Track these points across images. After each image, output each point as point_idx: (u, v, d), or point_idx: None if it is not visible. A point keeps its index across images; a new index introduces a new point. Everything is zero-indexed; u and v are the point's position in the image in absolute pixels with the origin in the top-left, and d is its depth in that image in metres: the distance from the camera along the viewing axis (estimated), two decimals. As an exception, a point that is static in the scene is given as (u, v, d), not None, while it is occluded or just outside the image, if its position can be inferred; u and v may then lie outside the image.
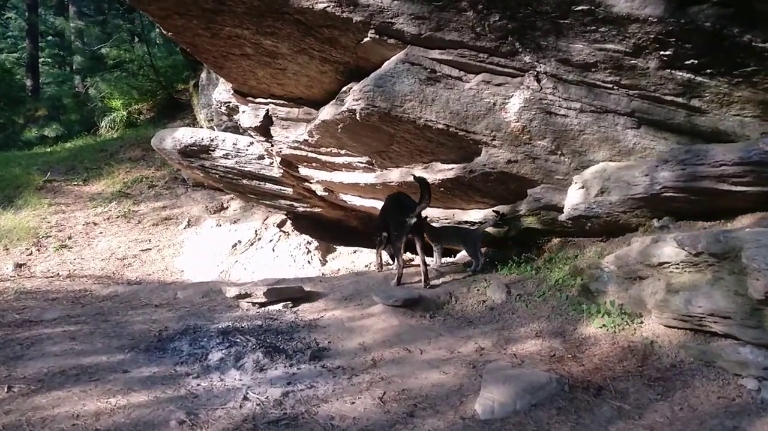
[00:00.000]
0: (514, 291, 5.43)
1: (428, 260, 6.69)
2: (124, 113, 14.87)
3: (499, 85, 4.83)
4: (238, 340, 4.46)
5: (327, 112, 5.85)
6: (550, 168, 5.17)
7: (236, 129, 10.06)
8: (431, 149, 5.66)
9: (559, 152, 5.02)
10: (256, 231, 8.61)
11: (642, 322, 4.28)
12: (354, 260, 8.38)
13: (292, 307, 5.62)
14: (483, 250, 6.43)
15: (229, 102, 8.61)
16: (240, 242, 8.31)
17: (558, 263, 5.74)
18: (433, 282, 5.88)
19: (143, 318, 5.32)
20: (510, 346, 4.45)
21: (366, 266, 8.13)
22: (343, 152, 6.63)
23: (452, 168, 5.83)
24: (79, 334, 4.79)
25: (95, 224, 9.26)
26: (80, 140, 14.66)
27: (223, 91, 8.66)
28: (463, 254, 6.97)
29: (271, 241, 8.37)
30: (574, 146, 4.94)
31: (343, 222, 9.31)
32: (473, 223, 6.76)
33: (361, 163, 6.69)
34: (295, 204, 8.63)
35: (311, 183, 7.99)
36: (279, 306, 5.60)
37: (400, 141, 5.72)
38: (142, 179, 10.87)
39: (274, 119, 7.03)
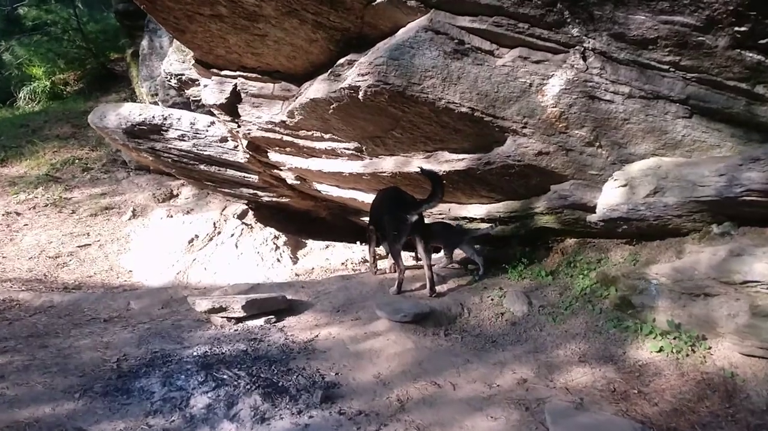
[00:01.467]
0: (535, 302, 4.74)
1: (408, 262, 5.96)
2: (47, 83, 13.17)
3: (537, 62, 4.04)
4: (225, 376, 3.53)
5: (317, 89, 4.89)
6: (584, 162, 4.45)
7: (186, 106, 8.91)
8: (442, 135, 4.83)
9: (597, 144, 4.30)
10: (214, 224, 7.54)
11: (710, 347, 3.65)
12: (327, 256, 7.49)
13: (275, 322, 4.73)
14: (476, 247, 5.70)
15: (182, 75, 7.51)
16: (197, 236, 7.23)
17: (579, 268, 5.07)
18: (437, 288, 5.10)
19: (92, 341, 4.27)
20: (555, 376, 3.73)
21: (342, 263, 7.28)
22: (327, 136, 5.71)
23: (463, 159, 5.02)
24: (8, 369, 3.72)
25: (18, 214, 7.91)
26: (-7, 111, 12.91)
27: (174, 62, 7.52)
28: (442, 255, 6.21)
29: (232, 235, 7.34)
30: (615, 137, 4.23)
31: (312, 213, 8.38)
32: (468, 220, 6.02)
33: (348, 149, 5.79)
34: (260, 193, 7.63)
35: (281, 170, 7.01)
36: (260, 321, 4.69)
37: (406, 126, 4.85)
38: (74, 160, 9.47)
39: (243, 95, 5.99)
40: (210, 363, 3.77)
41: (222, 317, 4.70)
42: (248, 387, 3.41)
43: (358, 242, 8.02)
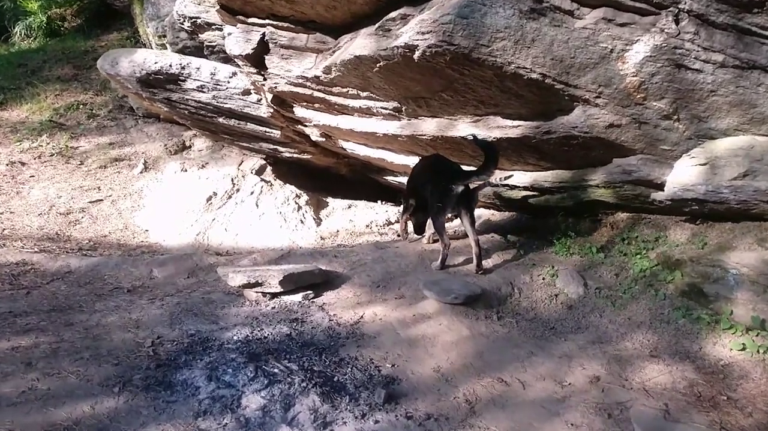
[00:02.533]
0: (590, 283, 4.45)
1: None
2: (43, 18, 12.33)
3: (622, 25, 3.60)
4: (275, 370, 3.23)
5: (363, 45, 4.42)
6: (657, 136, 4.07)
7: (199, 51, 8.33)
8: (498, 100, 4.41)
9: (675, 117, 3.91)
10: (232, 180, 7.13)
11: (800, 348, 3.37)
12: (351, 217, 7.14)
13: (313, 297, 4.41)
14: None
15: (197, 18, 6.92)
16: (215, 194, 6.84)
17: (635, 246, 4.77)
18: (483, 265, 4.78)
19: (120, 319, 3.95)
20: (629, 373, 3.46)
21: (367, 226, 6.93)
22: (364, 94, 5.26)
23: (518, 126, 4.62)
24: (35, 354, 3.40)
25: (23, 164, 7.45)
26: (-13, 48, 12.14)
27: (189, 3, 6.91)
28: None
29: (252, 193, 6.95)
30: (696, 110, 3.84)
31: (331, 170, 7.97)
32: (509, 188, 5.66)
33: (385, 109, 5.36)
34: (280, 149, 7.20)
35: (306, 126, 6.57)
36: (298, 297, 4.37)
37: (459, 89, 4.42)
38: (78, 105, 8.91)
39: (271, 45, 5.49)
40: (256, 352, 3.46)
41: (257, 292, 4.37)
42: (303, 384, 3.11)
43: (379, 202, 7.68)
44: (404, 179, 5.97)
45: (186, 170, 7.47)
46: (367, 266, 4.94)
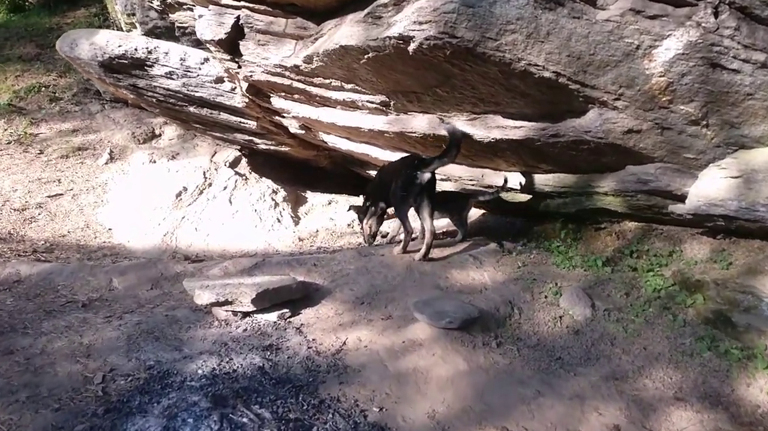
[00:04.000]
0: (598, 304, 4.02)
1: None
2: (7, -8, 11.58)
3: (652, 17, 3.12)
4: (245, 419, 2.75)
5: (350, 33, 3.88)
6: (681, 143, 3.61)
7: (170, 32, 7.72)
8: (500, 98, 3.92)
9: (704, 122, 3.46)
10: (204, 173, 6.59)
11: None
12: (331, 215, 6.66)
13: (290, 316, 3.92)
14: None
15: (167, -5, 6.31)
16: (185, 189, 6.29)
17: (646, 260, 4.36)
18: (475, 276, 4.36)
19: (70, 344, 3.43)
20: (653, 422, 3.05)
21: (348, 225, 6.46)
22: (349, 86, 4.75)
23: (521, 127, 4.14)
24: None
25: (-24, 152, 6.83)
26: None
27: (158, -21, 6.31)
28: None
29: (225, 188, 6.42)
30: (729, 116, 3.39)
31: (311, 162, 7.45)
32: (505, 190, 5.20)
33: (372, 102, 4.85)
34: (256, 140, 6.65)
35: (284, 118, 6.03)
36: (273, 316, 3.88)
37: (456, 85, 3.93)
38: (40, 87, 8.22)
39: (247, 30, 4.94)
40: (223, 394, 2.96)
41: (227, 310, 3.87)
42: (276, 439, 2.63)
43: (360, 197, 7.19)
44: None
45: (155, 162, 6.90)
46: (350, 278, 4.46)
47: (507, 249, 4.92)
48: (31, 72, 8.53)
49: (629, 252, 4.52)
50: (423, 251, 4.56)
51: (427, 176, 4.55)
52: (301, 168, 7.58)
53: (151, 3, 6.87)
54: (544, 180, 4.88)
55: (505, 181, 4.94)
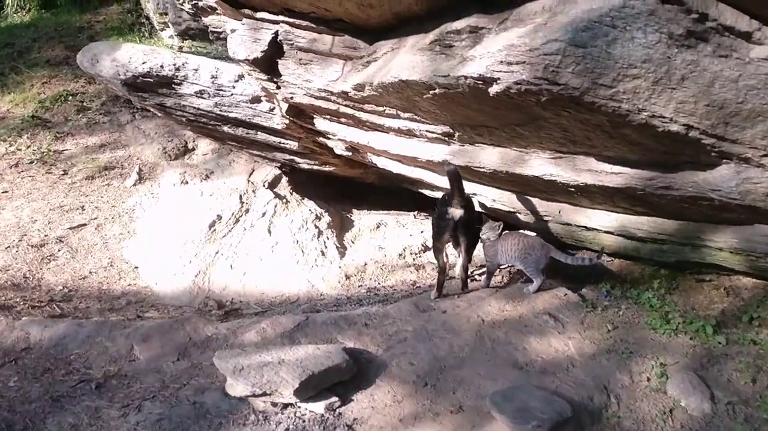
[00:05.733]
0: (718, 394, 3.24)
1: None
2: (38, -13, 11.09)
3: (830, 57, 2.29)
4: None
5: (411, 64, 3.14)
6: (840, 207, 2.79)
7: (203, 34, 7.12)
8: (599, 142, 3.14)
9: None
10: (240, 197, 5.96)
11: None
12: (380, 242, 5.97)
13: (339, 406, 3.28)
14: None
15: (199, 0, 5.66)
16: (219, 218, 5.67)
17: (773, 331, 3.55)
18: (558, 346, 3.64)
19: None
20: None
21: (400, 254, 5.76)
22: (406, 115, 4.02)
23: (620, 173, 3.36)
24: None
25: (-6, 175, 6.33)
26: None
27: (189, -18, 5.66)
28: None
29: (264, 215, 5.79)
30: None
31: (357, 179, 6.76)
32: (585, 228, 4.44)
33: (432, 132, 4.12)
34: (298, 159, 5.99)
35: (329, 139, 5.34)
36: (320, 407, 3.26)
37: (543, 126, 3.16)
38: (68, 95, 7.68)
39: (286, 47, 4.24)
40: None
41: (264, 401, 3.25)
42: None
43: (413, 215, 6.51)
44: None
45: (187, 182, 6.31)
46: (408, 345, 3.79)
47: (590, 302, 4.16)
48: (58, 78, 8.01)
49: (748, 319, 3.72)
50: (461, 286, 4.44)
51: (459, 212, 4.16)
52: (347, 183, 6.92)
53: (182, 6, 6.26)
54: (635, 223, 4.08)
55: (602, 250, 4.14)
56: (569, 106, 2.62)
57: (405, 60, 3.21)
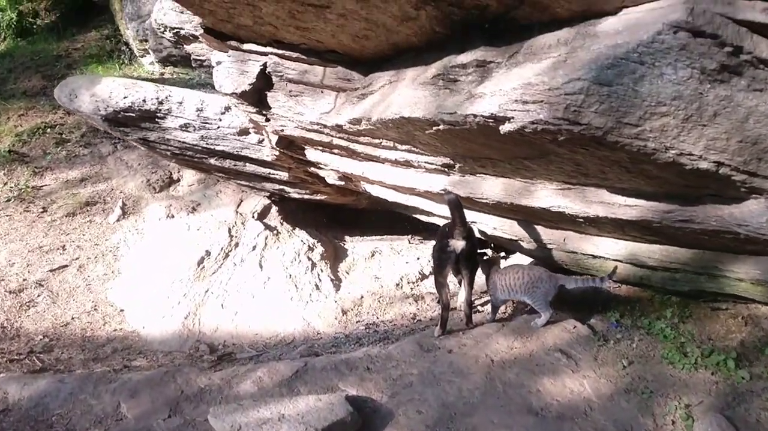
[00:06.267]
0: (747, 438, 3.05)
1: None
2: (13, 15, 10.75)
3: None
4: None
5: (415, 101, 2.95)
6: None
7: (185, 60, 6.92)
8: (612, 175, 2.96)
9: None
10: (229, 230, 5.73)
11: None
12: (375, 272, 5.76)
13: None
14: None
15: (180, 29, 5.50)
16: (208, 254, 5.43)
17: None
18: (573, 386, 3.43)
19: None
20: None
21: (397, 284, 5.55)
22: (404, 147, 3.83)
23: (635, 206, 3.18)
24: None
25: (-30, 216, 6.04)
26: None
27: (169, 11, 5.49)
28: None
29: (254, 248, 5.56)
30: None
31: (349, 206, 6.58)
32: (592, 257, 4.27)
33: (431, 164, 3.93)
34: (288, 189, 5.78)
35: (321, 169, 5.13)
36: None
37: (554, 160, 2.98)
38: (45, 128, 7.41)
39: (275, 79, 4.04)
40: None
41: (266, 464, 3.01)
42: None
43: (408, 240, 6.32)
44: (441, 220, 4.79)
45: (173, 216, 6.06)
46: (415, 391, 3.56)
47: (601, 334, 3.97)
48: (36, 110, 7.74)
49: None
50: (465, 321, 4.24)
51: (461, 244, 3.96)
52: (338, 209, 6.73)
53: (163, 34, 6.05)
54: (646, 251, 3.91)
55: (614, 270, 3.94)
56: (589, 145, 2.44)
57: (406, 95, 3.01)
